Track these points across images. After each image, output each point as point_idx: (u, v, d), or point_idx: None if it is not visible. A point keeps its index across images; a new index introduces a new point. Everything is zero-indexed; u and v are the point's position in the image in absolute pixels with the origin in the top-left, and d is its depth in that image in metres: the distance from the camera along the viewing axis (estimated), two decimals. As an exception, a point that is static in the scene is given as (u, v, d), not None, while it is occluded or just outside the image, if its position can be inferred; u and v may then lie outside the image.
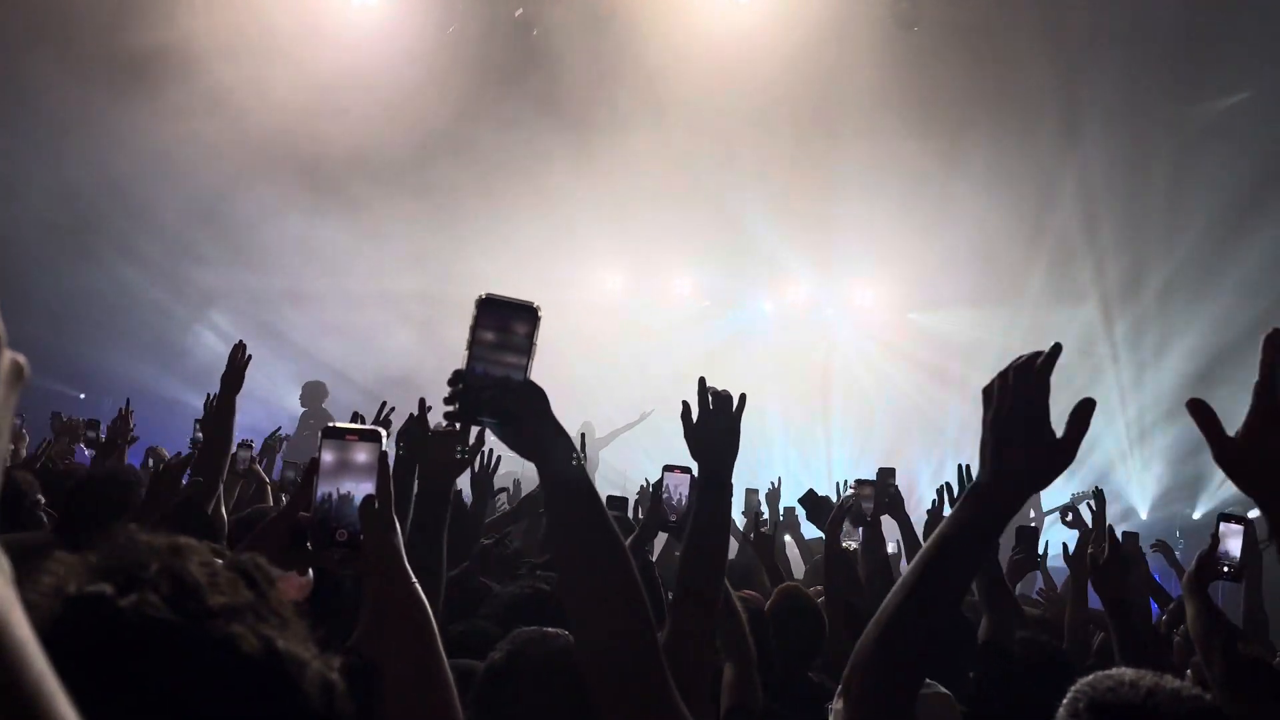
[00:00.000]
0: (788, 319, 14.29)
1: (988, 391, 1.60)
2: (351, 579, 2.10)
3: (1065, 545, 4.45)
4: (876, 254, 12.62)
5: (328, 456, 1.66)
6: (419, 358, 13.60)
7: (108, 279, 12.11)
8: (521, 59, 10.71)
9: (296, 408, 11.83)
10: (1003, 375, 1.59)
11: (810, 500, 5.03)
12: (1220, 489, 12.10)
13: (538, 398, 1.67)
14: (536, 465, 1.70)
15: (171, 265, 12.71)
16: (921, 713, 2.20)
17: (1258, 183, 10.32)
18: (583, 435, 11.47)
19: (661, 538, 4.02)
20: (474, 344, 1.65)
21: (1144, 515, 12.49)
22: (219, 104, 10.13)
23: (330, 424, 1.75)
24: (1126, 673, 1.71)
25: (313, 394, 11.46)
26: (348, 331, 13.55)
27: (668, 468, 3.10)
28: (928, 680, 2.63)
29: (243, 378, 4.08)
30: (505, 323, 1.67)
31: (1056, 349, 1.57)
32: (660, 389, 11.22)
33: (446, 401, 1.66)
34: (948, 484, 4.75)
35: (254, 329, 12.90)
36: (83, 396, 12.07)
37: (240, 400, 4.13)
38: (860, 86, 9.98)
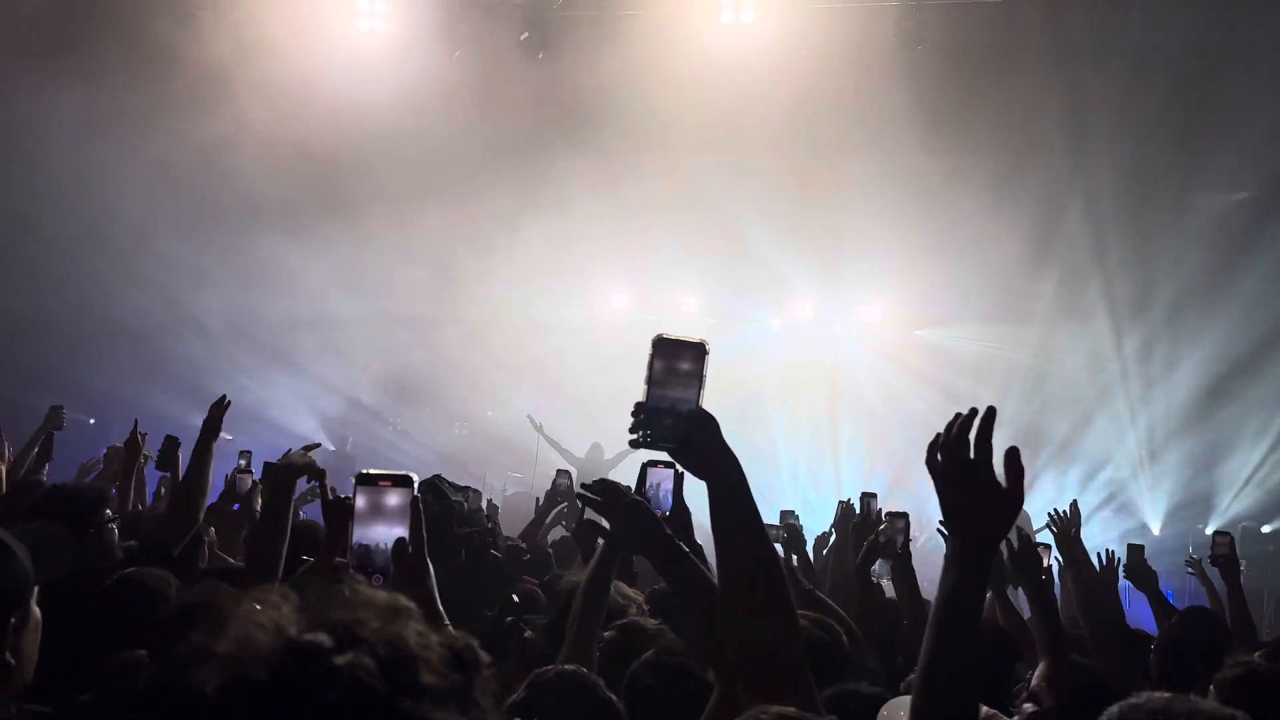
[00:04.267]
0: (795, 336, 14.27)
1: (930, 463, 1.71)
2: None
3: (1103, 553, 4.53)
4: (883, 271, 12.62)
5: (361, 502, 1.73)
6: (433, 379, 13.63)
7: (118, 304, 12.14)
8: (527, 82, 10.77)
9: (307, 432, 11.83)
10: (943, 440, 1.71)
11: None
12: (1232, 504, 12.04)
13: (710, 424, 1.83)
14: (708, 484, 1.87)
15: (184, 291, 12.74)
16: None
17: (1266, 197, 10.30)
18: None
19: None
20: (651, 378, 1.79)
21: (1156, 530, 12.42)
22: (227, 127, 10.19)
23: (364, 470, 1.80)
24: (1158, 696, 1.73)
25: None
26: (361, 354, 13.57)
27: (649, 463, 2.67)
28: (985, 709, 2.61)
29: (219, 424, 4.00)
30: (677, 358, 1.80)
31: (991, 412, 1.68)
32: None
33: (631, 430, 1.79)
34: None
35: (267, 354, 12.93)
36: (92, 421, 12.07)
37: (250, 425, 4.14)
38: (866, 106, 10.00)
